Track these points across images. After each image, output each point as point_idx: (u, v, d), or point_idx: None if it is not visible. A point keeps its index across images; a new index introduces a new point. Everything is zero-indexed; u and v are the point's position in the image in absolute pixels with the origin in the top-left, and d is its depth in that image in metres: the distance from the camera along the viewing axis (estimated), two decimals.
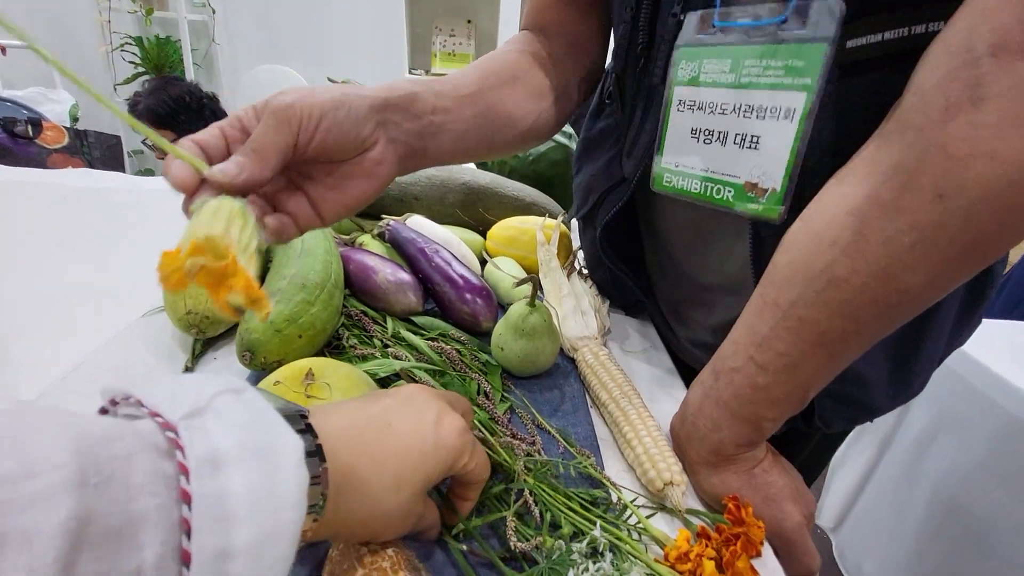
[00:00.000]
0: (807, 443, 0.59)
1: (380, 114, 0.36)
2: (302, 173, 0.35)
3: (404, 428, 0.28)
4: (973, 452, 0.82)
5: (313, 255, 0.54)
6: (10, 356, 0.51)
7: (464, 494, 0.34)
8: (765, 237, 0.44)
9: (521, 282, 0.47)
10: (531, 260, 0.73)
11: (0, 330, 0.54)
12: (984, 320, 0.52)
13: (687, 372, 0.59)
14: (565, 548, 0.31)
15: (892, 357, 0.46)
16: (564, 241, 0.74)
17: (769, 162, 0.42)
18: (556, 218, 0.73)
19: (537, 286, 0.49)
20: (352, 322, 0.57)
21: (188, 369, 0.49)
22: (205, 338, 0.52)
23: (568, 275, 0.71)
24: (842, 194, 0.35)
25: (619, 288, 0.65)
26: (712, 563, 0.32)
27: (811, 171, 0.38)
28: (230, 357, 0.52)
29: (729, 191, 0.45)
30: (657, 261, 0.64)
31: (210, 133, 0.31)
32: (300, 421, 0.24)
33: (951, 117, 0.29)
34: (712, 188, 0.46)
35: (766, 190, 0.43)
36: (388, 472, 0.26)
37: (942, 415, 0.91)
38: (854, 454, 1.12)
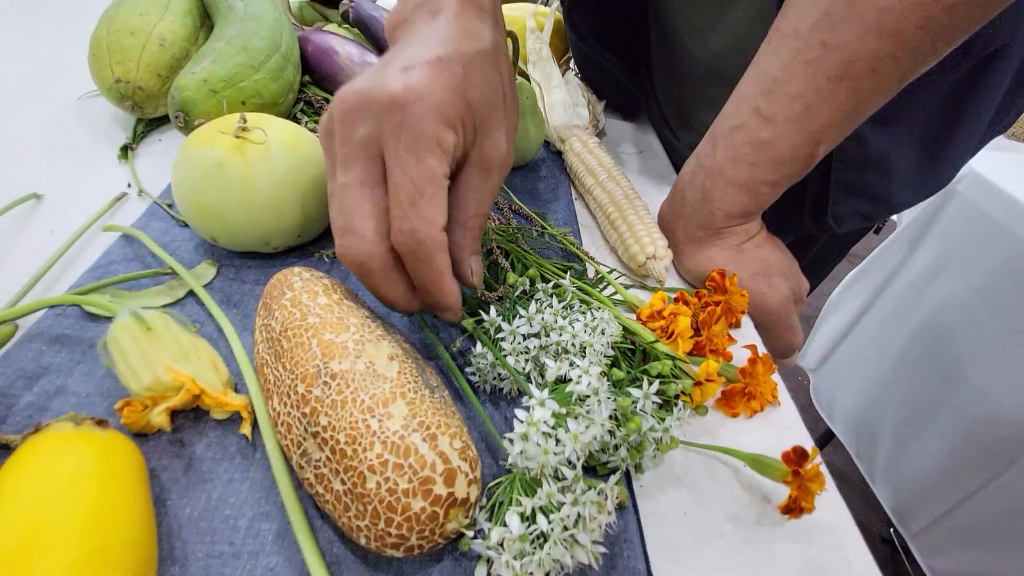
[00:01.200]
0: (812, 246, 0.55)
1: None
2: None
3: None
4: (975, 282, 0.80)
5: (259, 20, 0.46)
6: None
7: None
8: None
9: None
10: (523, 55, 0.63)
11: None
12: (1008, 151, 0.45)
13: None
14: (530, 287, 0.28)
15: (924, 137, 0.40)
16: (561, 33, 0.64)
17: None
18: (550, 5, 0.62)
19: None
20: (313, 109, 0.51)
21: (129, 149, 0.44)
22: (146, 117, 0.47)
23: (563, 73, 0.62)
24: None
25: (613, 85, 0.57)
26: (686, 320, 0.29)
27: None
28: (178, 139, 0.47)
29: None
30: (662, 53, 0.55)
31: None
32: None
33: None
34: None
35: None
36: None
37: (951, 250, 0.87)
38: (849, 297, 1.11)
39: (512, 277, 0.28)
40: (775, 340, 0.37)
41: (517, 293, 0.28)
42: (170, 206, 0.38)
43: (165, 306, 0.31)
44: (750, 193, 0.34)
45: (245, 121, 0.31)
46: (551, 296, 0.27)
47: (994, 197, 0.77)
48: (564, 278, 0.30)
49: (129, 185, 0.40)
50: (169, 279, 0.32)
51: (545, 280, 0.30)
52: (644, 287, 0.37)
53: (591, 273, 0.37)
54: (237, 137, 0.31)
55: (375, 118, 0.23)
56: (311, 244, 0.37)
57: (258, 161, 0.31)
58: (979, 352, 0.80)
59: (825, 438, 1.32)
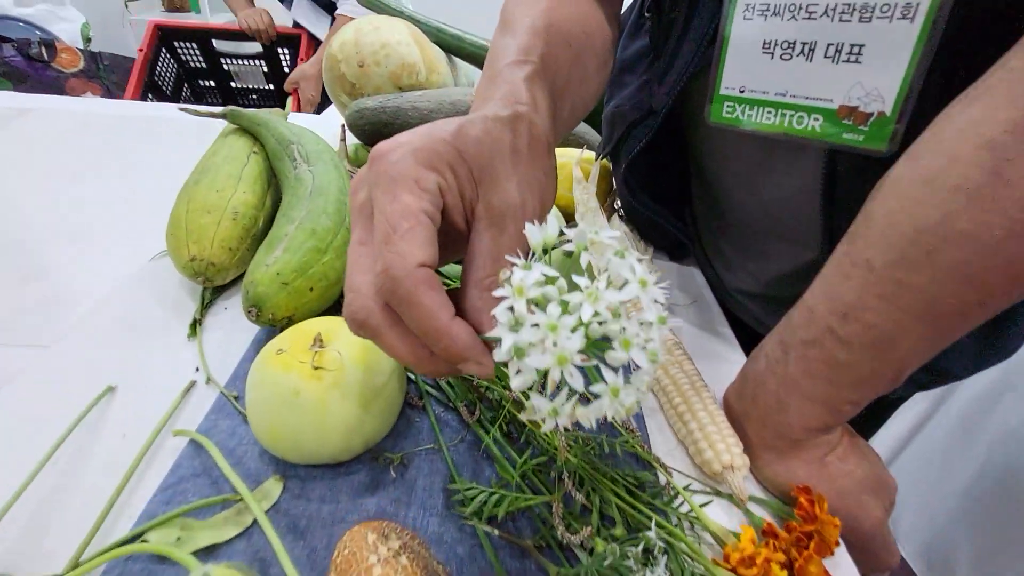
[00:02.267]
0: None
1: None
2: None
3: None
4: None
5: (325, 195, 0.48)
6: (24, 296, 0.49)
7: None
8: (842, 173, 0.35)
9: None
10: (567, 199, 0.65)
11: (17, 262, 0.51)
12: None
13: (734, 322, 0.53)
14: (619, 552, 0.26)
15: None
16: (605, 177, 0.66)
17: (876, 78, 0.33)
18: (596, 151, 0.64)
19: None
20: None
21: (197, 322, 0.45)
22: (214, 286, 0.48)
23: (608, 217, 0.63)
24: (970, 121, 0.26)
25: (659, 232, 0.58)
26: (784, 573, 0.27)
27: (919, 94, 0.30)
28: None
29: (816, 119, 0.36)
30: (705, 202, 0.56)
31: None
32: None
33: None
34: (792, 117, 0.38)
35: (869, 115, 0.34)
36: None
37: (1015, 367, 0.83)
38: (906, 406, 1.06)
39: (600, 545, 0.27)
40: (871, 560, 0.34)
41: (607, 561, 0.26)
42: (236, 398, 0.38)
43: (233, 539, 0.30)
44: (830, 409, 0.32)
45: (321, 344, 0.32)
46: (642, 565, 0.26)
47: None
48: (648, 519, 0.28)
49: (197, 369, 0.41)
50: (237, 503, 0.32)
51: (628, 526, 0.29)
52: (718, 493, 0.35)
53: (663, 479, 0.35)
54: (315, 368, 0.31)
55: (367, 180, 0.24)
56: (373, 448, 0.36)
57: (332, 385, 0.31)
58: None
59: None
